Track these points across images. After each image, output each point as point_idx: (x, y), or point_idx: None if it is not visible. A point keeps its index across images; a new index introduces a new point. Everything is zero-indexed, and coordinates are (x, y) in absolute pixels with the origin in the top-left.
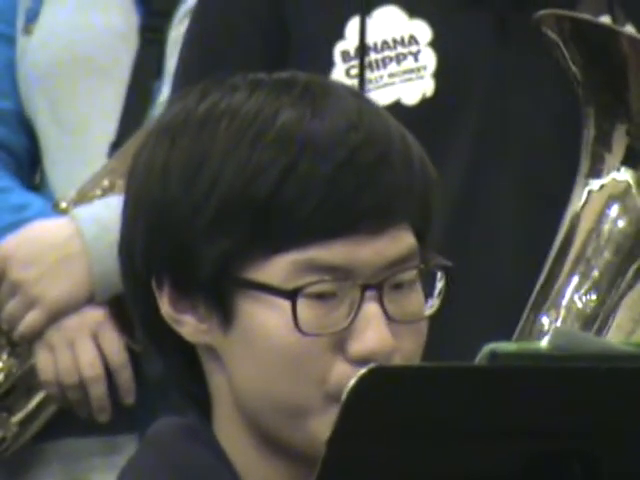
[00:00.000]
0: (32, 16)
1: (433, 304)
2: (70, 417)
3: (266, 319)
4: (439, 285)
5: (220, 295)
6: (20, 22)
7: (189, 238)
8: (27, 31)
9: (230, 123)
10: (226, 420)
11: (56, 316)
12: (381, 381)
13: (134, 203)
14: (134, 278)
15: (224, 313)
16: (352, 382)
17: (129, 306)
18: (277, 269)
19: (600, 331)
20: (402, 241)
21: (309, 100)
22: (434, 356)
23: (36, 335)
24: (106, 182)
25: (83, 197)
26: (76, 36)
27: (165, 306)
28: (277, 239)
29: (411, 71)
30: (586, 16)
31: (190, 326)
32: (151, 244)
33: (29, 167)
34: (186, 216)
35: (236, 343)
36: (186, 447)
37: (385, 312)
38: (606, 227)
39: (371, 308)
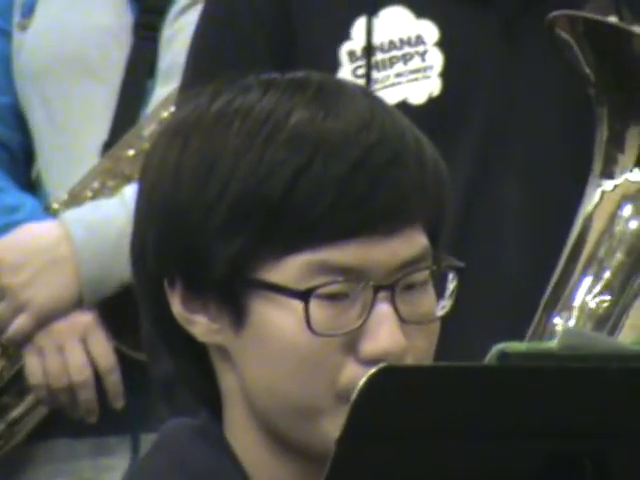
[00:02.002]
0: (27, 11)
1: (445, 305)
2: (62, 419)
3: (278, 319)
4: (451, 286)
5: (232, 295)
6: (16, 17)
7: (201, 238)
8: (22, 26)
9: (243, 123)
10: (237, 419)
11: (45, 320)
12: (390, 381)
13: (146, 203)
14: (146, 278)
15: (236, 313)
16: (362, 382)
17: (123, 306)
18: (289, 269)
19: (613, 331)
20: (415, 242)
21: (322, 100)
22: (443, 356)
23: (25, 339)
24: (96, 183)
25: (74, 198)
26: (69, 34)
27: (177, 306)
28: (290, 239)
29: (418, 71)
30: (599, 17)
31: (202, 326)
32: (163, 244)
33: (25, 163)
34: (198, 216)
35: (248, 343)
36: (196, 449)
37: (397, 313)
38: (619, 228)
39: (383, 309)
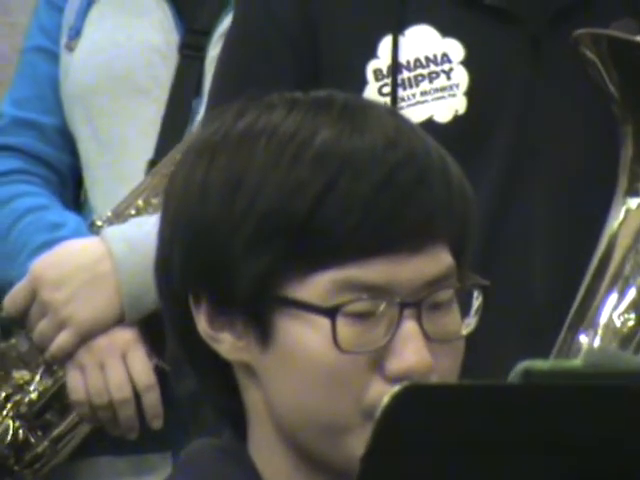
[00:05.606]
0: (74, 33)
1: (470, 323)
2: (103, 436)
3: (304, 337)
4: (476, 304)
5: (258, 313)
6: (63, 39)
7: (227, 256)
8: (69, 48)
9: (269, 141)
10: (262, 437)
11: (86, 337)
12: (414, 398)
13: (172, 221)
14: (171, 296)
15: (262, 331)
16: (385, 399)
17: (163, 324)
18: (316, 287)
19: (638, 350)
20: (440, 260)
21: (347, 119)
22: (468, 374)
23: (67, 356)
24: (140, 201)
25: (118, 216)
26: (116, 54)
27: (202, 324)
28: (316, 257)
29: (443, 89)
30: (624, 35)
31: (227, 344)
32: (189, 262)
33: (74, 184)
34: (224, 234)
35: (274, 360)
36: (220, 469)
37: (423, 331)
38: None
39: (409, 326)
